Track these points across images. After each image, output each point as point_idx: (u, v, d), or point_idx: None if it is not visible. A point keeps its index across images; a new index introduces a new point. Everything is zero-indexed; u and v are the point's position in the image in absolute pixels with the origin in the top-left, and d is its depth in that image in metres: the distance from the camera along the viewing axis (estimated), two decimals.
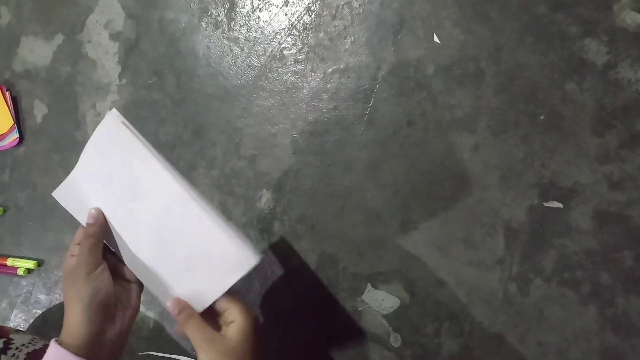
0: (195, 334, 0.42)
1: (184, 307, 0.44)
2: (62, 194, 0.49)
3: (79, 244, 0.46)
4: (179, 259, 0.44)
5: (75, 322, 0.43)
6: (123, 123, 0.44)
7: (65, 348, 0.41)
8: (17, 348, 0.52)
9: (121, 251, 0.47)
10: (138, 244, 0.46)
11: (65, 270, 0.46)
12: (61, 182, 0.49)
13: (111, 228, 0.47)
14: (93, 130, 0.71)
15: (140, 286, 0.49)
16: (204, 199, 0.43)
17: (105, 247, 0.48)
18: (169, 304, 0.45)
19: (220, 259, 0.42)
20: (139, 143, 0.44)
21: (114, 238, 0.47)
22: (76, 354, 0.41)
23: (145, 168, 0.44)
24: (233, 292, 0.44)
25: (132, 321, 0.47)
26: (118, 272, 0.48)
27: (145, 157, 0.43)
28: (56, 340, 0.43)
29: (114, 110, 0.46)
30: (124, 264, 0.48)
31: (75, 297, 0.43)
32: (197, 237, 0.43)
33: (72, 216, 0.49)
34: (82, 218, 0.48)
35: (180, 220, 0.43)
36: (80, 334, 0.42)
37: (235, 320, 0.43)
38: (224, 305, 0.44)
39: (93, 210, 0.47)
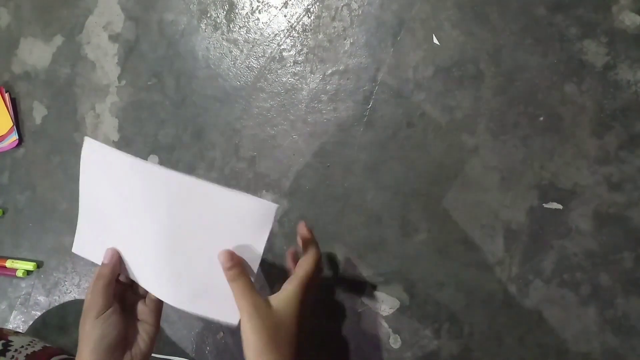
0: (240, 296, 0.39)
1: (236, 262, 0.40)
2: (80, 247, 0.48)
3: None
4: (205, 248, 0.41)
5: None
6: (100, 145, 0.43)
7: None
8: (16, 350, 0.52)
9: (141, 277, 0.45)
10: (158, 259, 0.43)
11: (83, 308, 0.45)
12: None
13: (128, 256, 0.45)
14: (92, 132, 0.71)
15: (156, 329, 0.47)
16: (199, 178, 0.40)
17: (126, 286, 0.47)
18: (220, 256, 0.40)
19: (244, 220, 0.39)
20: (121, 153, 0.42)
21: (130, 268, 0.45)
22: None
23: (136, 174, 0.41)
24: (296, 252, 0.43)
25: None
26: (133, 313, 0.47)
27: (132, 163, 0.41)
28: None
29: (87, 137, 0.44)
30: (144, 303, 0.47)
31: (85, 337, 0.42)
32: (213, 212, 0.40)
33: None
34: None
35: (190, 207, 0.40)
36: None
37: (285, 289, 0.41)
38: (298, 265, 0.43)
39: (109, 250, 0.46)
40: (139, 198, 0.42)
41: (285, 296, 0.40)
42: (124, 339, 0.44)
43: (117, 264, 0.45)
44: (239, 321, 0.40)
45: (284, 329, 0.38)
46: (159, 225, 0.42)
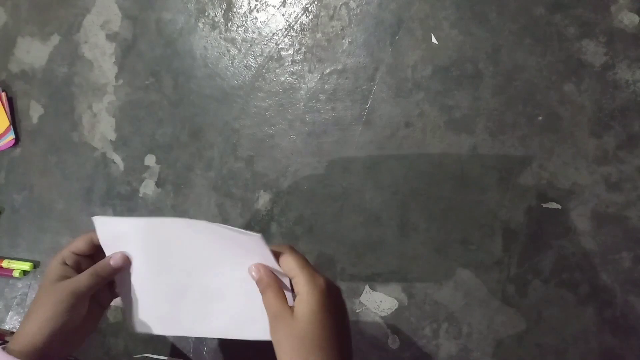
0: (267, 307, 0.37)
1: (262, 274, 0.38)
2: (140, 325, 0.45)
3: (78, 255, 0.43)
4: (222, 277, 0.41)
5: (32, 332, 0.39)
6: (109, 219, 0.42)
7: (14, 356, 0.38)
8: None
9: (180, 326, 0.44)
10: (191, 300, 0.43)
11: (52, 276, 0.41)
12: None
13: (164, 308, 0.44)
14: (90, 132, 0.71)
15: (103, 310, 0.46)
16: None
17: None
18: (250, 270, 0.39)
19: (244, 247, 0.39)
20: (131, 219, 0.41)
21: (169, 321, 0.44)
22: None
23: (150, 232, 0.41)
24: (299, 258, 0.38)
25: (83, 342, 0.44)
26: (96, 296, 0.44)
27: (144, 224, 0.41)
28: (3, 348, 0.40)
29: (94, 217, 0.42)
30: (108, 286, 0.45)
31: (48, 309, 0.40)
32: (220, 246, 0.40)
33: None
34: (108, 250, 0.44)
35: (202, 246, 0.41)
36: (35, 345, 0.39)
37: (299, 293, 0.36)
38: (289, 272, 0.37)
39: (119, 254, 0.43)
40: (160, 252, 0.42)
41: (300, 300, 0.36)
42: (82, 322, 0.42)
43: (117, 271, 0.43)
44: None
45: (307, 337, 0.34)
46: (182, 270, 0.42)
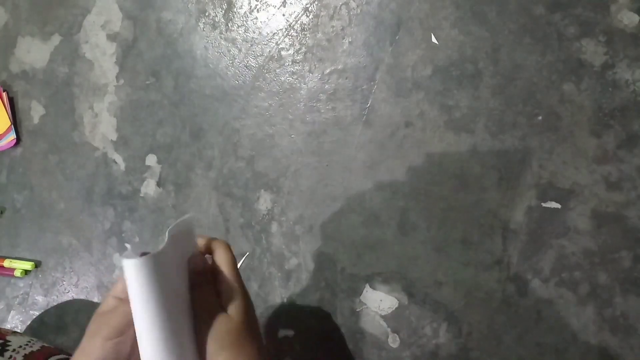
0: (202, 302, 0.38)
1: (208, 266, 0.41)
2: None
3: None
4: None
5: None
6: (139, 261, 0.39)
7: None
8: (14, 350, 0.52)
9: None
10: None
11: (106, 315, 0.38)
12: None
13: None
14: (90, 132, 0.71)
15: None
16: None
17: None
18: (195, 258, 0.40)
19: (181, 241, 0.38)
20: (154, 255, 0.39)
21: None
22: None
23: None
24: (236, 274, 0.40)
25: None
26: None
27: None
28: None
29: (124, 260, 0.36)
30: None
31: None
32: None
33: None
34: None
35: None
36: None
37: (234, 291, 0.39)
38: (223, 266, 0.40)
39: None
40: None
41: (237, 305, 0.39)
42: None
43: None
44: None
45: (245, 331, 0.38)
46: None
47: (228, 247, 0.42)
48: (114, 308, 0.38)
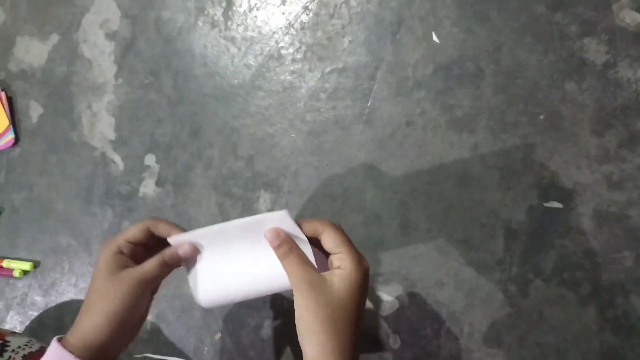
0: (295, 272, 0.37)
1: (284, 239, 0.38)
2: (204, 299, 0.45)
3: (131, 243, 0.41)
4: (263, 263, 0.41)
5: (96, 326, 0.38)
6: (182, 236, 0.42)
7: (70, 350, 0.37)
8: (13, 350, 0.52)
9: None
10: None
11: (110, 266, 0.40)
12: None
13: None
14: (89, 131, 0.71)
15: (153, 295, 0.45)
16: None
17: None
18: (267, 234, 0.39)
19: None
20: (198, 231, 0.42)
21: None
22: (82, 357, 0.37)
23: (210, 240, 0.42)
24: (345, 236, 0.38)
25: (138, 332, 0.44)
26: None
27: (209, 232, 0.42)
28: (59, 340, 0.38)
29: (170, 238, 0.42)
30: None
31: (114, 301, 0.38)
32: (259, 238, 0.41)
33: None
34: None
35: (248, 242, 0.41)
36: (99, 338, 0.38)
37: (343, 267, 0.36)
38: (334, 247, 0.37)
39: (187, 245, 0.42)
40: (220, 248, 0.42)
41: (342, 273, 0.36)
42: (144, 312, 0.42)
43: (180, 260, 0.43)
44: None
45: (342, 308, 0.35)
46: (234, 259, 0.43)
47: (334, 225, 0.39)
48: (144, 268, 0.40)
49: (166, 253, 0.41)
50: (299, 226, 0.39)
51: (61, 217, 0.72)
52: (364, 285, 0.37)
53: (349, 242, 0.38)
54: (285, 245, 0.38)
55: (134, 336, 0.43)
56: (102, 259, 0.40)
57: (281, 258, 0.38)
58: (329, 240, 0.38)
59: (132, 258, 0.41)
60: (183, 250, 0.41)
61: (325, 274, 0.37)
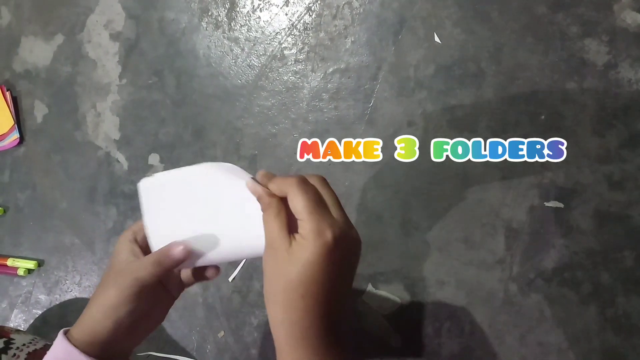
0: (265, 229, 0.33)
1: (260, 191, 0.34)
2: (148, 187, 0.43)
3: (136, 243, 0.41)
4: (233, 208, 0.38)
5: (96, 319, 0.38)
6: (152, 180, 0.41)
7: (74, 344, 0.37)
8: (17, 348, 0.52)
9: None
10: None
11: (121, 256, 0.39)
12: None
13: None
14: (93, 131, 0.71)
15: (173, 300, 0.44)
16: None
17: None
18: (248, 184, 0.35)
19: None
20: (170, 173, 0.41)
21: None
22: (87, 352, 0.37)
23: (185, 181, 0.41)
24: (309, 197, 0.32)
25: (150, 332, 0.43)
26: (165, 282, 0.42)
27: (180, 175, 0.41)
28: (65, 333, 0.38)
29: (141, 182, 0.41)
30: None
31: (113, 295, 0.37)
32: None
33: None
34: (156, 221, 0.42)
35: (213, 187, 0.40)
36: (99, 332, 0.37)
37: (303, 237, 0.31)
38: (296, 212, 0.32)
39: (181, 247, 0.39)
40: (190, 197, 0.41)
41: (300, 245, 0.31)
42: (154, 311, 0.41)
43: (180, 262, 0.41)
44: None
45: (300, 283, 0.31)
46: (206, 211, 0.41)
47: (300, 184, 0.33)
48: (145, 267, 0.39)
49: (160, 252, 0.40)
50: (266, 185, 0.35)
51: (65, 216, 0.72)
52: (328, 260, 0.31)
53: (313, 206, 0.32)
54: (263, 198, 0.34)
55: (143, 336, 0.42)
56: (116, 247, 0.41)
57: (263, 210, 0.34)
58: (292, 204, 0.33)
59: (146, 247, 0.41)
60: (176, 253, 0.40)
61: (293, 243, 0.32)
